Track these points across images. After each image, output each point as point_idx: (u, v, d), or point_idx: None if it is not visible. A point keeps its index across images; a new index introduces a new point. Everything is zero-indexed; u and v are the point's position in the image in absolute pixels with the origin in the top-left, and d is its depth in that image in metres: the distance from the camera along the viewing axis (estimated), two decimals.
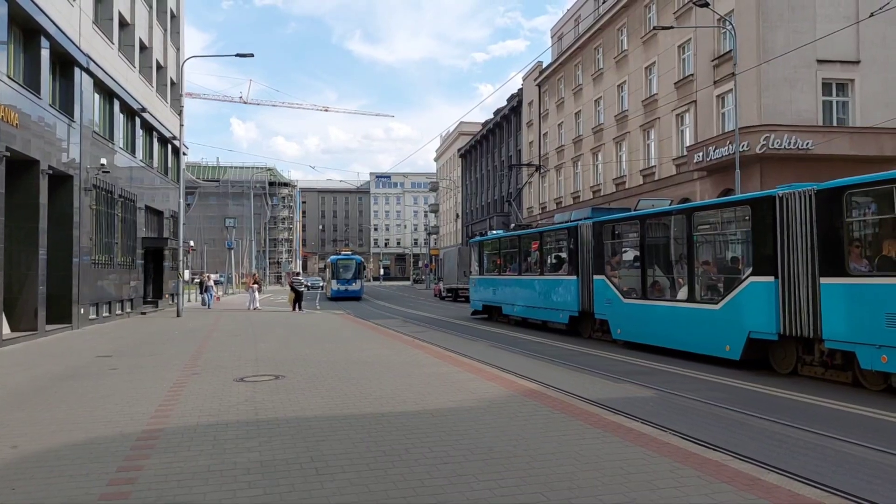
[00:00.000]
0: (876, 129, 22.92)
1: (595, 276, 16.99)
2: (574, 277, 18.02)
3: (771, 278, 11.29)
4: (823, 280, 10.23)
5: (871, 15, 17.65)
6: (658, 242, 15.37)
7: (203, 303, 34.04)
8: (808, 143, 22.41)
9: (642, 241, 15.28)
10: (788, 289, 10.94)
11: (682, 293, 13.76)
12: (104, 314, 22.45)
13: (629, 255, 16.47)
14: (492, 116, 62.30)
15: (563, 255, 19.19)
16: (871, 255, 9.86)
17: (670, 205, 16.69)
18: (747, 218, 12.05)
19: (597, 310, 16.91)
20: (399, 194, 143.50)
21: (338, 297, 45.75)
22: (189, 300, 32.76)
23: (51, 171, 17.76)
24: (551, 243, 20.22)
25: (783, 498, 4.67)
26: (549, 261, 20.31)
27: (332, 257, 51.30)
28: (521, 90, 52.69)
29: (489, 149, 62.77)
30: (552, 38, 49.57)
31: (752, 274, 11.77)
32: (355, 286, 46.54)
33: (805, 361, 11.07)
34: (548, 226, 21.79)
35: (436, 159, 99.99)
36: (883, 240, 9.62)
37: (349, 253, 53.05)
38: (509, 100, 56.46)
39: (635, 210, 16.47)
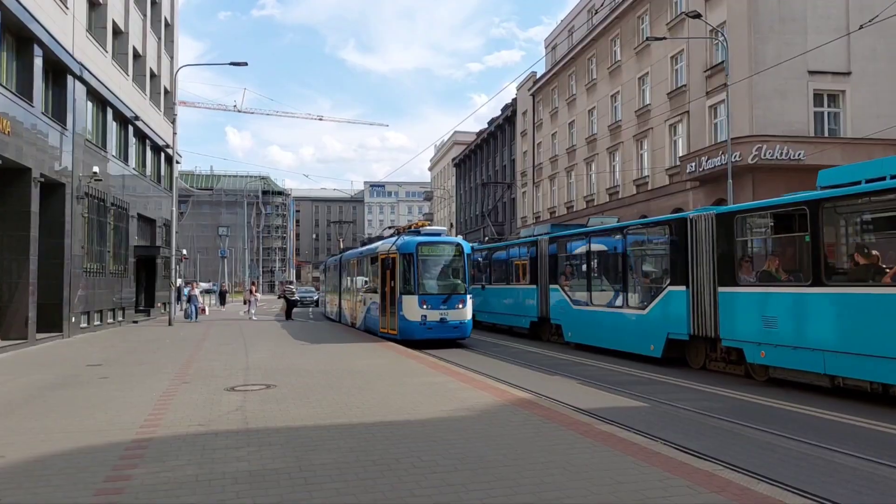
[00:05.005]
0: (867, 141, 23.05)
1: (551, 286, 18.93)
2: (534, 287, 19.95)
3: (683, 287, 13.23)
4: (720, 289, 12.21)
5: (861, 27, 17.78)
6: (600, 256, 17.03)
7: (186, 315, 29.24)
8: (799, 154, 22.54)
9: (588, 255, 17.24)
10: (696, 296, 12.89)
11: (619, 300, 15.62)
12: (95, 323, 22.33)
13: (578, 266, 18.23)
14: (486, 126, 62.47)
15: (526, 266, 20.81)
16: (755, 268, 11.80)
17: (618, 222, 18.06)
18: (667, 236, 14.01)
19: (552, 315, 18.85)
20: (393, 204, 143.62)
21: (421, 339, 17.90)
22: (181, 308, 31.97)
23: (43, 179, 17.70)
24: (516, 256, 21.87)
25: None
26: (514, 272, 22.09)
27: (405, 239, 19.26)
28: (515, 100, 52.86)
29: (483, 158, 62.90)
30: (546, 48, 49.81)
31: (670, 284, 13.69)
32: (460, 311, 18.46)
33: (712, 358, 12.98)
34: (514, 239, 23.73)
35: (430, 169, 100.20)
36: (764, 256, 11.81)
37: (439, 230, 20.78)
38: (503, 109, 56.62)
39: (587, 227, 18.18)
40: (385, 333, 19.03)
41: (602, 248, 16.89)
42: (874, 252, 9.71)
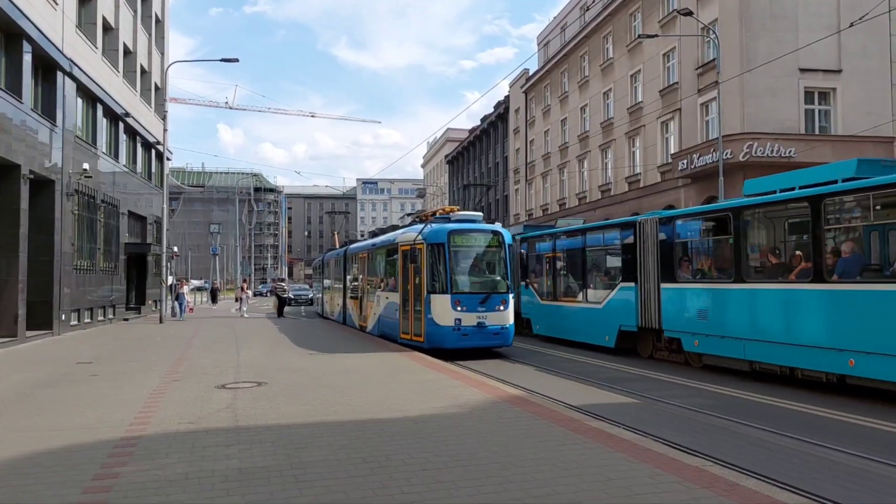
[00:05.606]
0: (857, 138, 23.16)
1: (522, 282, 20.14)
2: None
3: (633, 284, 14.64)
4: (663, 285, 13.67)
5: (851, 25, 17.86)
6: (565, 254, 18.35)
7: (173, 313, 28.40)
8: (790, 151, 22.62)
9: (554, 254, 18.66)
10: (644, 292, 14.30)
11: (580, 296, 17.10)
12: (86, 320, 22.22)
13: (546, 264, 19.35)
14: (479, 123, 62.41)
15: None
16: (692, 267, 13.39)
17: (584, 224, 19.54)
18: (619, 237, 15.40)
19: (523, 310, 19.88)
20: (386, 201, 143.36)
21: (453, 348, 14.87)
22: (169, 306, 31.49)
23: (32, 176, 17.58)
24: None
25: (762, 503, 4.69)
26: None
27: (433, 227, 15.82)
28: (507, 97, 52.84)
29: (476, 155, 62.90)
30: (538, 45, 49.81)
31: (622, 281, 15.14)
32: (501, 314, 15.30)
33: (658, 347, 14.31)
34: None
35: (423, 165, 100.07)
36: (699, 256, 13.44)
37: (475, 216, 17.04)
38: (496, 107, 56.58)
39: (554, 228, 19.52)
40: (407, 340, 15.94)
41: (566, 247, 18.24)
42: (798, 252, 10.89)
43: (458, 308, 14.85)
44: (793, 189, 10.95)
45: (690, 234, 13.75)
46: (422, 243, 15.50)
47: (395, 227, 21.73)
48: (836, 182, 10.15)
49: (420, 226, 16.61)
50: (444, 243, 15.20)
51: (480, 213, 17.51)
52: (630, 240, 14.80)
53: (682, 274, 13.34)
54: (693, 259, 13.58)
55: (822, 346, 9.92)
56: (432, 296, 15.09)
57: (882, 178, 9.32)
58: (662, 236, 13.78)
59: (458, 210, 17.14)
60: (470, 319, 14.87)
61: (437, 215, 16.97)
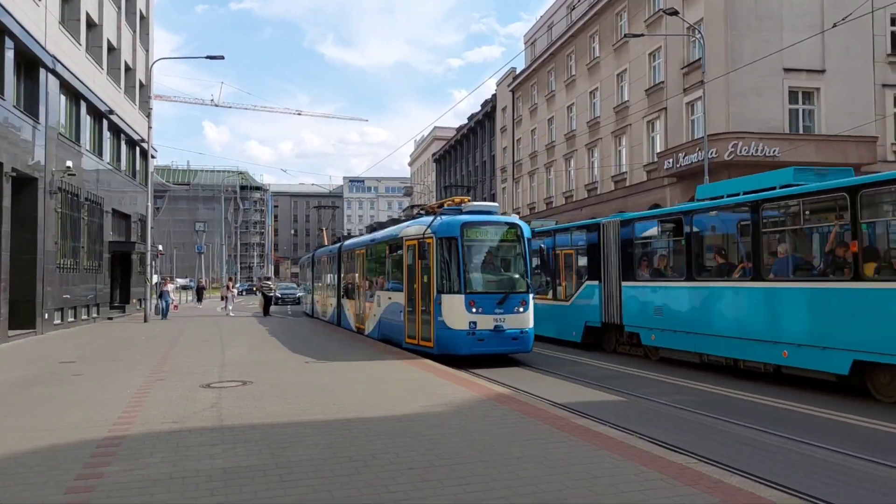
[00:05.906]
0: (840, 137, 23.37)
1: None
2: None
3: (597, 282, 15.53)
4: (624, 283, 14.59)
5: (835, 25, 18.01)
6: (536, 254, 18.43)
7: (157, 311, 28.13)
8: (775, 151, 22.79)
9: None
10: (607, 290, 15.17)
11: (550, 293, 17.85)
12: (70, 319, 22.02)
13: None
14: (466, 122, 62.39)
15: None
16: (649, 266, 14.22)
17: (555, 225, 20.42)
18: (585, 238, 16.31)
19: None
20: (373, 199, 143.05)
21: (468, 354, 13.32)
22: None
23: (14, 174, 17.38)
24: None
25: (745, 500, 4.72)
26: None
27: (444, 219, 14.17)
28: (494, 96, 52.86)
29: (463, 154, 62.89)
30: (525, 44, 49.86)
31: (588, 279, 16.01)
32: (521, 317, 13.68)
33: (620, 342, 15.13)
34: None
35: (410, 164, 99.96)
36: (656, 256, 14.32)
37: (490, 207, 15.27)
38: (483, 105, 56.57)
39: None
40: (413, 345, 14.36)
41: (538, 247, 18.44)
42: (743, 252, 11.62)
43: (473, 310, 13.28)
44: (738, 194, 11.72)
45: (648, 235, 14.58)
46: (431, 237, 13.95)
47: (395, 221, 20.35)
48: (774, 188, 11.05)
49: (428, 218, 14.90)
50: (456, 237, 13.63)
51: (496, 204, 15.90)
52: (595, 240, 15.70)
53: (641, 273, 14.22)
54: (651, 259, 14.40)
55: (760, 339, 10.86)
56: (443, 296, 13.54)
57: (813, 184, 10.26)
58: (623, 237, 14.67)
59: (470, 200, 15.43)
60: (486, 322, 13.28)
61: (447, 206, 15.25)
